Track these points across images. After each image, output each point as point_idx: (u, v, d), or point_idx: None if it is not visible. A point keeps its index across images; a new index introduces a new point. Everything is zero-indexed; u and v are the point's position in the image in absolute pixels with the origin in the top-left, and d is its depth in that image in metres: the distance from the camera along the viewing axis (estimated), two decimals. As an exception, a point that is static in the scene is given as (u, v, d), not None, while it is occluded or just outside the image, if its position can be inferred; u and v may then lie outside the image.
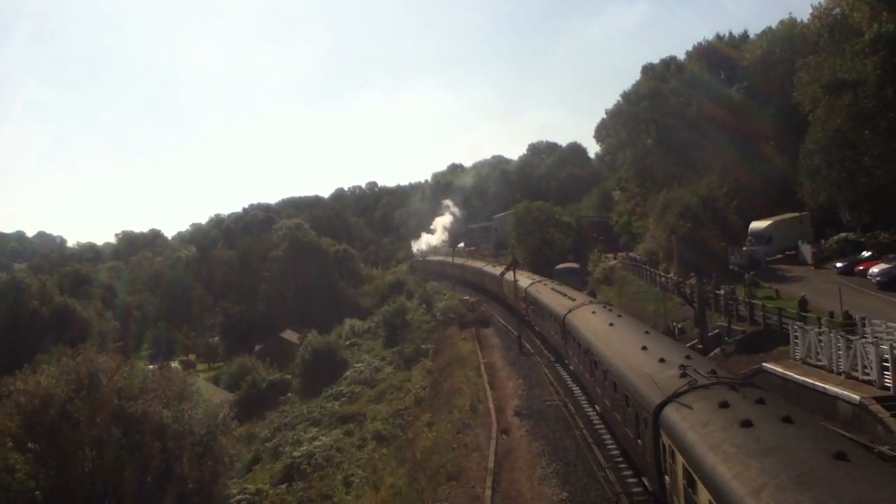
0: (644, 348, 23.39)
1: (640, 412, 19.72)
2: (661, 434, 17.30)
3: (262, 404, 65.36)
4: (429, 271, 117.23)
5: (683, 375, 18.39)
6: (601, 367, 26.40)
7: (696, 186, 59.35)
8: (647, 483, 20.90)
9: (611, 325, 30.20)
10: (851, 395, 24.46)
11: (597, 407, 29.93)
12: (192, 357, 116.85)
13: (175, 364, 74.73)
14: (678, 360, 20.20)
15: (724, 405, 15.20)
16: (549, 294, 47.22)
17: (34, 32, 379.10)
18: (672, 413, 16.73)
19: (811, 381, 27.16)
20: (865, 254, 48.58)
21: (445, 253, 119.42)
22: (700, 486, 13.59)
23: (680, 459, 15.38)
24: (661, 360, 20.86)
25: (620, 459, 25.17)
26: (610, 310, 36.67)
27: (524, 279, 57.46)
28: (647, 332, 27.50)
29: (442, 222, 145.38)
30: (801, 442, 12.32)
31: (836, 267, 49.07)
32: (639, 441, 20.26)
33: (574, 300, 40.79)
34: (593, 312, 34.88)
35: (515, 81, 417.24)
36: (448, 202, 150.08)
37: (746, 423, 13.59)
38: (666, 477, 17.31)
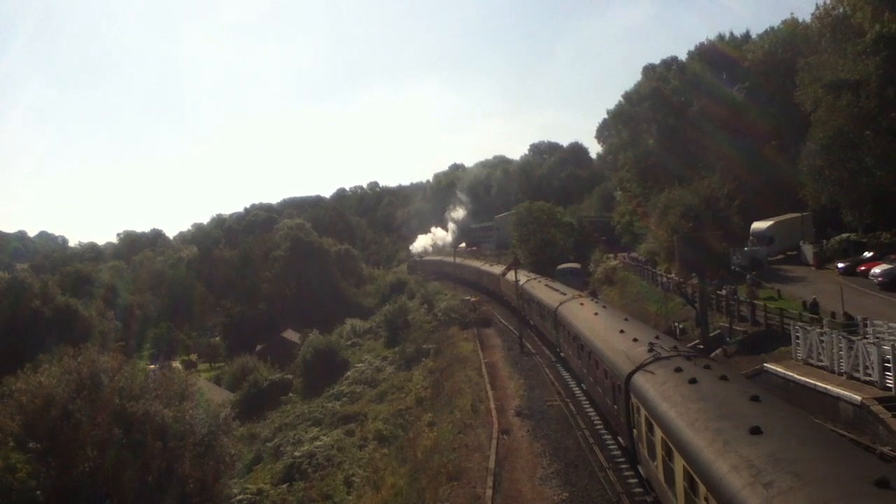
0: (622, 332, 26.98)
1: (615, 381, 23.61)
2: (630, 396, 21.20)
3: (263, 404, 65.34)
4: (427, 271, 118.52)
5: (650, 350, 22.09)
6: (586, 349, 30.31)
7: (698, 186, 59.31)
8: (621, 440, 25.07)
9: (595, 314, 34.19)
10: (853, 395, 24.43)
11: (583, 385, 33.98)
12: (193, 357, 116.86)
13: (176, 364, 74.82)
14: (648, 339, 23.94)
15: (678, 370, 19.03)
16: (543, 290, 50.60)
17: (35, 31, 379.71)
18: (639, 378, 20.56)
19: (812, 382, 27.14)
20: (867, 254, 48.54)
21: (445, 253, 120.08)
22: (655, 427, 17.68)
23: (643, 412, 19.30)
24: (635, 340, 24.45)
25: (602, 427, 29.30)
26: (595, 302, 40.97)
27: (520, 277, 59.63)
28: (625, 319, 31.33)
29: (453, 216, 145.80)
30: (729, 392, 16.47)
31: (837, 267, 49.04)
32: (615, 406, 24.28)
33: (564, 294, 44.53)
34: (581, 304, 38.93)
35: (517, 82, 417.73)
36: (459, 193, 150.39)
37: (692, 381, 17.58)
38: (634, 430, 21.24)
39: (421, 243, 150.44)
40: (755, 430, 12.96)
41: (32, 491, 27.30)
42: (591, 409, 32.14)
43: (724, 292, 44.52)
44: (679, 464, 15.13)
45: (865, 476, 10.38)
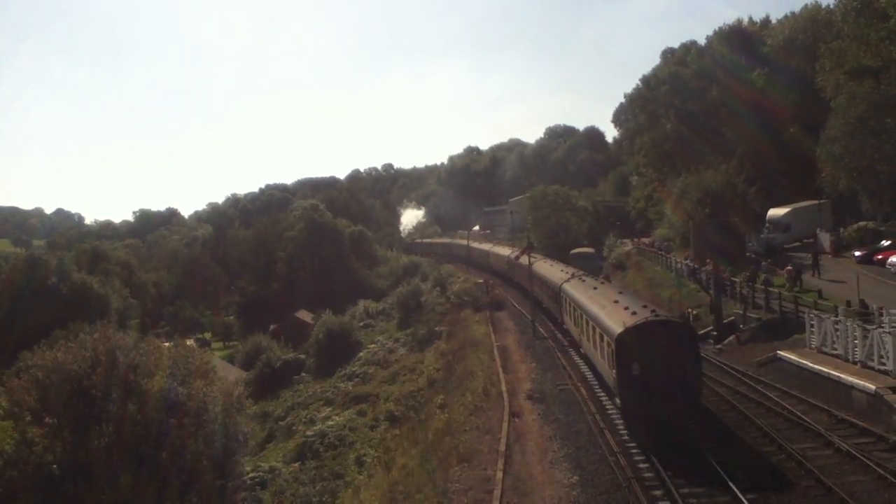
0: (562, 270, 50.28)
1: (555, 290, 45.86)
2: (561, 294, 43.22)
3: (276, 383, 65.80)
4: (422, 252, 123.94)
5: (571, 275, 44.68)
6: (545, 282, 52.30)
7: (715, 172, 58.83)
8: (557, 321, 47.26)
9: (551, 265, 56.50)
10: (867, 384, 24.32)
11: (543, 304, 53.64)
12: (207, 335, 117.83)
13: (190, 342, 75.28)
14: (572, 272, 47.24)
15: (581, 279, 42.01)
16: (524, 258, 62.57)
17: (53, 7, 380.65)
18: (564, 286, 42.47)
19: (826, 370, 27.03)
20: (885, 243, 48.12)
21: (432, 235, 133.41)
22: (570, 303, 39.53)
23: (564, 298, 41.56)
24: (566, 273, 47.52)
25: (553, 326, 50.34)
26: (553, 260, 61.60)
27: (506, 250, 79.75)
28: (567, 266, 55.43)
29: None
30: (592, 283, 40.22)
31: (854, 256, 48.65)
32: (555, 303, 46.18)
33: (536, 258, 59.70)
34: (545, 262, 59.07)
35: (539, 67, 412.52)
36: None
37: (583, 280, 41.30)
38: (561, 309, 43.59)
39: (409, 218, 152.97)
40: (595, 288, 36.35)
41: (49, 465, 27.60)
42: (602, 394, 32.24)
43: (757, 284, 43.88)
44: (571, 307, 38.59)
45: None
